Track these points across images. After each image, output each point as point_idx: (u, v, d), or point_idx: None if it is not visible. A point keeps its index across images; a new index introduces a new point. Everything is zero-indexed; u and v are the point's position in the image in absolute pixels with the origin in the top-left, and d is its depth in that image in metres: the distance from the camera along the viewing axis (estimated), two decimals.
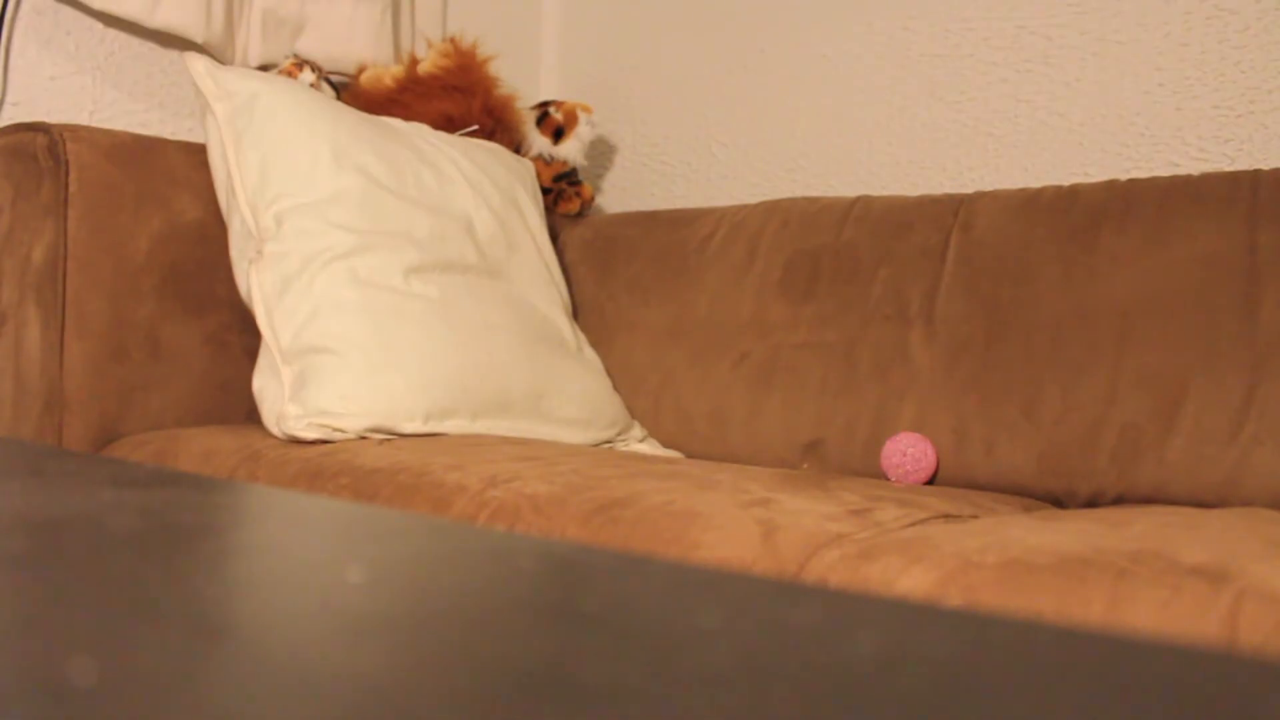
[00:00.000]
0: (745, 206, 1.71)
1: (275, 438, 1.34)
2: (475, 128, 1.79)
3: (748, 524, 0.93)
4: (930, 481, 1.39)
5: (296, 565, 0.42)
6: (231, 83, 1.45)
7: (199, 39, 1.67)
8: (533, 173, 1.78)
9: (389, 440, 1.32)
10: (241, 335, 1.54)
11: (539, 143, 1.90)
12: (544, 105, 1.94)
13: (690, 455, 1.58)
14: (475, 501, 1.05)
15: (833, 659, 0.30)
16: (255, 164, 1.42)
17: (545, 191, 1.85)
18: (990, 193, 1.51)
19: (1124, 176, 1.49)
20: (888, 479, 1.39)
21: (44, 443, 1.40)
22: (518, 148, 1.88)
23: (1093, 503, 1.29)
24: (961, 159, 1.71)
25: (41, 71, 1.61)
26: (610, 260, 1.78)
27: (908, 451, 1.38)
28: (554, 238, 1.77)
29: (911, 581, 0.80)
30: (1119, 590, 0.73)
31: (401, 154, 1.53)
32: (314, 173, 1.43)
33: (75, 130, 1.46)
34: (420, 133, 1.62)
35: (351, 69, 1.85)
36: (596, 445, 1.55)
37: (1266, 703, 0.27)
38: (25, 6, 1.60)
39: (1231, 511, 1.00)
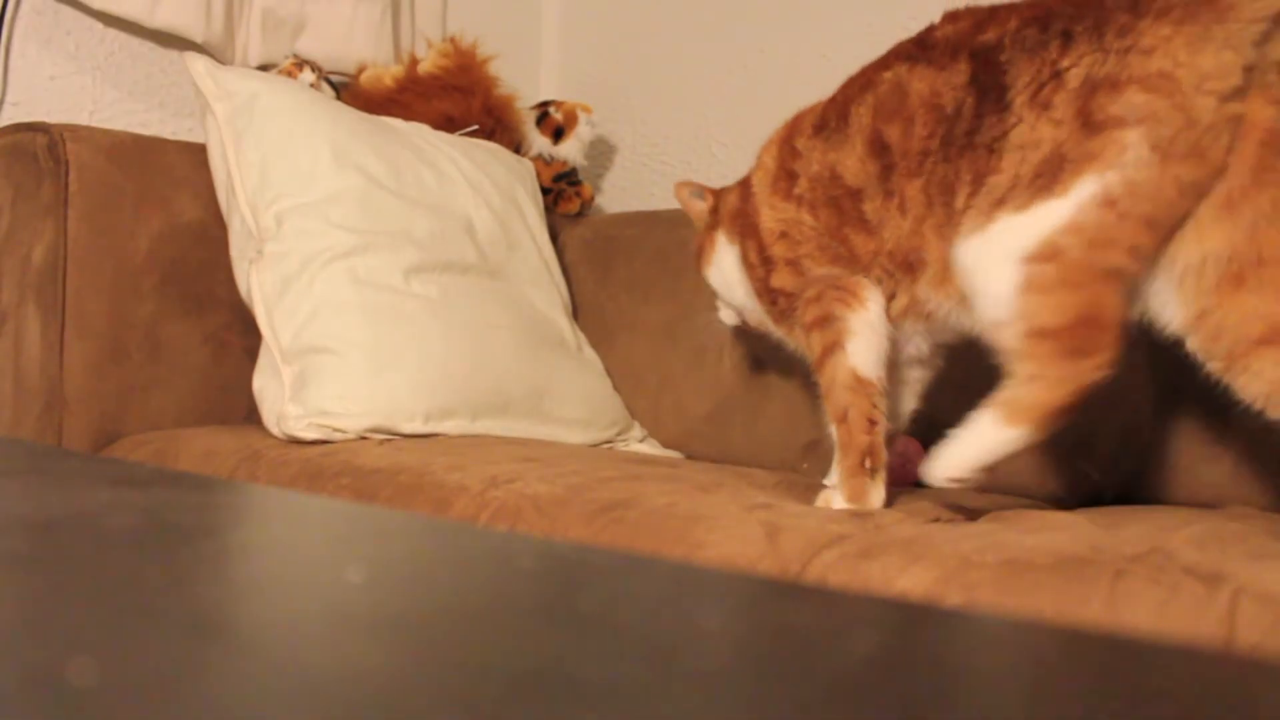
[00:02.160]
0: None
1: (275, 438, 1.34)
2: (475, 128, 1.79)
3: (751, 525, 0.93)
4: (920, 482, 1.38)
5: (296, 565, 0.42)
6: (231, 83, 1.45)
7: (199, 39, 1.67)
8: (533, 173, 1.78)
9: (389, 440, 1.32)
10: (241, 335, 1.54)
11: (539, 143, 1.90)
12: (544, 105, 1.94)
13: (690, 456, 1.58)
14: (477, 502, 1.05)
15: (833, 659, 0.30)
16: (255, 164, 1.42)
17: (545, 191, 1.85)
18: None
19: None
20: None
21: (44, 443, 1.40)
22: (518, 148, 1.88)
23: (1093, 503, 1.29)
24: None
25: (41, 71, 1.61)
26: (610, 260, 1.78)
27: (894, 452, 1.38)
28: (554, 238, 1.77)
29: (911, 580, 0.80)
30: (1117, 590, 0.73)
31: (401, 154, 1.53)
32: (314, 173, 1.43)
33: (75, 130, 1.46)
34: (420, 133, 1.62)
35: (351, 69, 1.85)
36: (596, 445, 1.55)
37: (1264, 703, 0.27)
38: (25, 6, 1.60)
39: (1229, 511, 1.00)
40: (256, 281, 1.39)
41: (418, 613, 0.34)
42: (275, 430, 1.34)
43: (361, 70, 1.83)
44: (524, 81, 2.10)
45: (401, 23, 1.96)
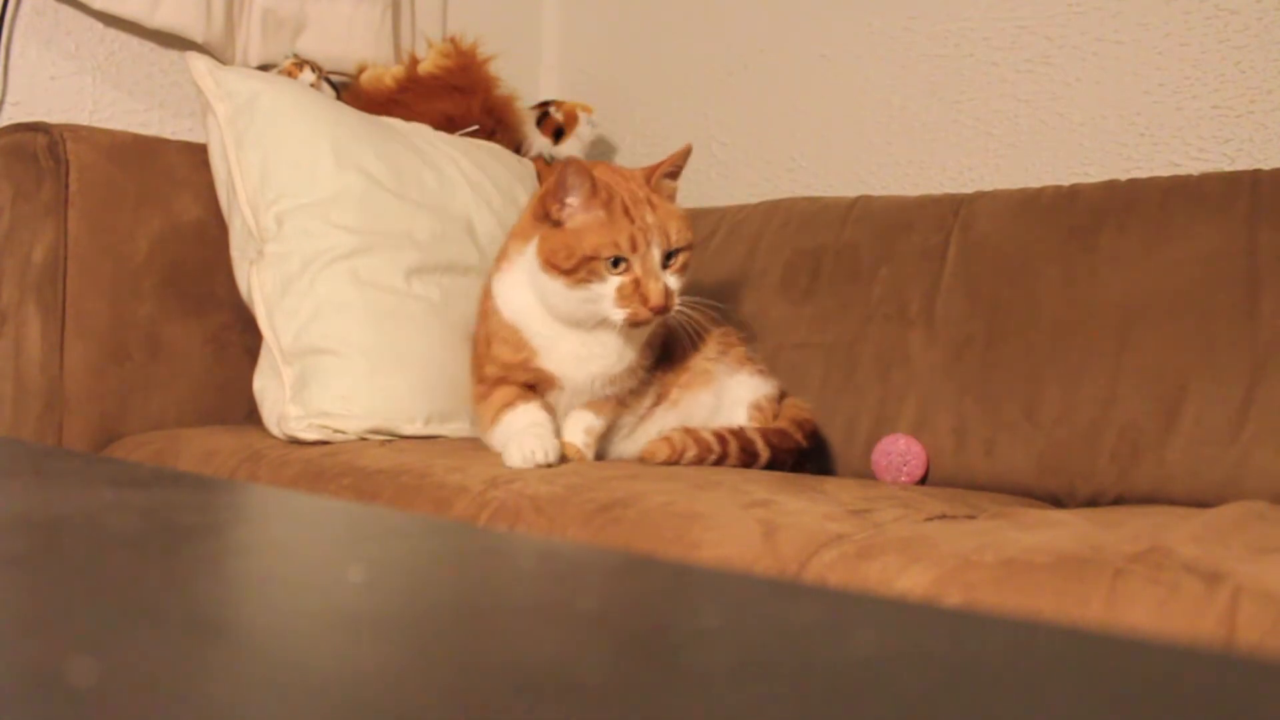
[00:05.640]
0: (745, 206, 1.71)
1: (276, 438, 1.34)
2: (475, 128, 1.79)
3: (749, 524, 0.93)
4: (922, 480, 1.39)
5: (296, 565, 0.42)
6: (232, 83, 1.45)
7: (199, 39, 1.67)
8: (533, 173, 1.78)
9: (390, 442, 1.32)
10: (241, 335, 1.54)
11: (539, 143, 1.90)
12: (544, 105, 1.94)
13: None
14: (477, 502, 1.05)
15: (833, 659, 0.30)
16: (256, 164, 1.42)
17: None
18: (990, 193, 1.50)
19: (1124, 176, 1.49)
20: (882, 479, 1.39)
21: (44, 443, 1.40)
22: (518, 148, 1.88)
23: (1093, 503, 1.29)
24: (961, 159, 1.71)
25: (41, 71, 1.61)
26: None
27: (894, 451, 1.38)
28: None
29: (910, 580, 0.80)
30: (1116, 589, 0.73)
31: (402, 154, 1.53)
32: (315, 173, 1.43)
33: (75, 130, 1.46)
34: (420, 133, 1.62)
35: (351, 69, 1.85)
36: None
37: (1264, 703, 0.27)
38: (25, 6, 1.60)
39: (1229, 507, 1.00)
40: (257, 282, 1.39)
41: (418, 613, 0.34)
42: (275, 431, 1.34)
43: (362, 70, 1.83)
44: (524, 81, 2.10)
45: (402, 22, 1.96)
